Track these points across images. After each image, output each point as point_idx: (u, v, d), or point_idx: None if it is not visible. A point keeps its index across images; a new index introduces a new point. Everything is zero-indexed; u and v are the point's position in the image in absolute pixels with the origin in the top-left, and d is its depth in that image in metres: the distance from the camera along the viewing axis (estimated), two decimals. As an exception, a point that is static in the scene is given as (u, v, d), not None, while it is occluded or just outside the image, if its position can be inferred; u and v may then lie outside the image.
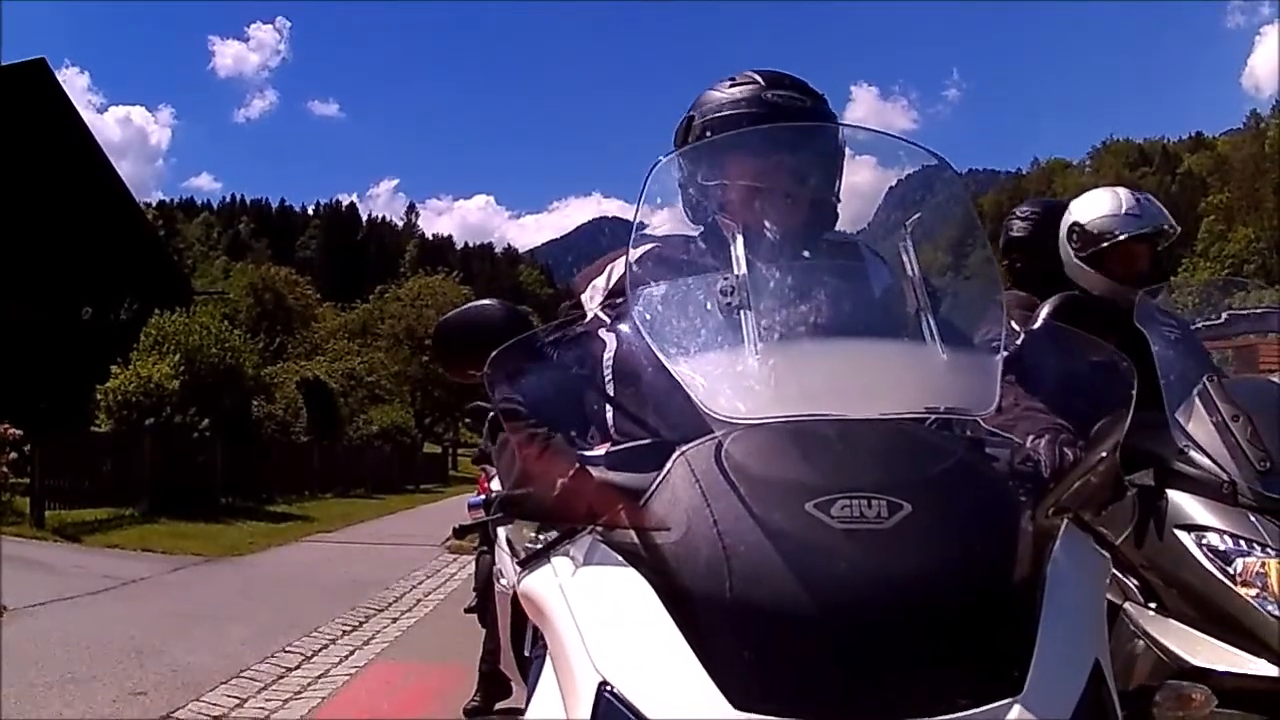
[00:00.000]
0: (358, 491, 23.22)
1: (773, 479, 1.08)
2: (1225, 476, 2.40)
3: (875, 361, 1.25)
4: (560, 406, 1.38)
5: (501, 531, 3.75)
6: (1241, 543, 2.33)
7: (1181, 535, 2.40)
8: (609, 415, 1.44)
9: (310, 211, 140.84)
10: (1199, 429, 2.48)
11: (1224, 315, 2.96)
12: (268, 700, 4.79)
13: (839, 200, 1.61)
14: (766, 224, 1.44)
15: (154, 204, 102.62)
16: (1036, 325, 1.56)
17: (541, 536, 1.25)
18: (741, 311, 1.21)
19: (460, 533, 1.39)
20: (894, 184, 1.60)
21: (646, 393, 1.35)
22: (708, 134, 1.61)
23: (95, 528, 11.08)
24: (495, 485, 4.19)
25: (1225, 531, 2.35)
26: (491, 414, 2.32)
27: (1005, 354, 1.29)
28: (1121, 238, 2.96)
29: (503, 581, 3.89)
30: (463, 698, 4.61)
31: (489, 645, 4.38)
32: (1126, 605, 2.50)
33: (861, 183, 1.63)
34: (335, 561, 10.60)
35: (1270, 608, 2.24)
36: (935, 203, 1.49)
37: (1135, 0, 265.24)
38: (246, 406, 18.02)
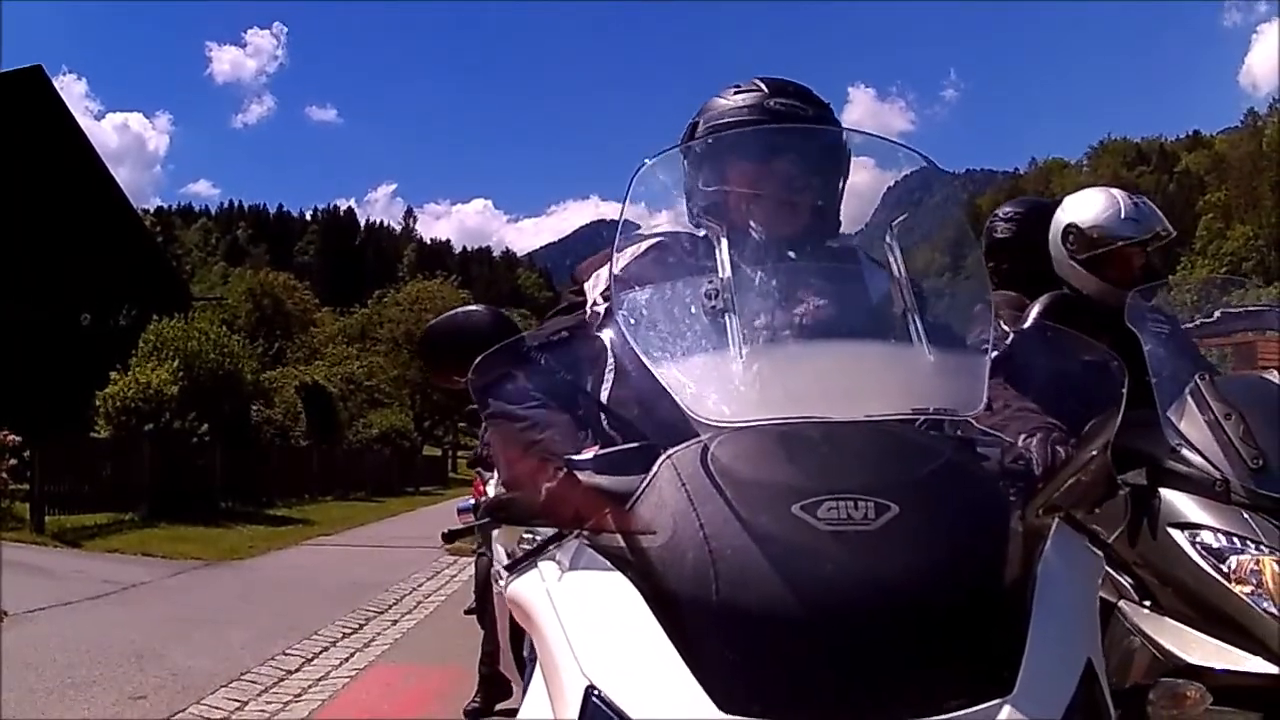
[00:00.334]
0: (357, 495, 23.22)
1: (759, 481, 1.07)
2: (1218, 474, 2.40)
3: (861, 363, 1.25)
4: (547, 410, 1.38)
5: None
6: (1235, 540, 2.32)
7: (1175, 533, 2.39)
8: (601, 417, 1.43)
9: (308, 217, 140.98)
10: (1191, 427, 2.48)
11: (1217, 313, 2.96)
12: (268, 703, 4.80)
13: (840, 208, 1.61)
14: (752, 226, 1.44)
15: (152, 210, 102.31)
16: (1027, 325, 1.57)
17: (529, 539, 1.25)
18: (726, 314, 1.21)
19: (449, 538, 1.39)
20: (891, 185, 1.60)
21: (640, 394, 1.34)
22: (710, 141, 1.61)
23: (95, 533, 11.08)
24: (491, 489, 4.20)
25: (1219, 529, 2.35)
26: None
27: (994, 354, 1.29)
28: (1119, 245, 2.94)
29: (501, 583, 3.89)
30: (463, 699, 4.61)
31: (488, 647, 4.39)
32: (1121, 603, 2.50)
33: (859, 184, 1.63)
34: (335, 564, 10.60)
35: (1265, 605, 2.24)
36: (922, 204, 1.49)
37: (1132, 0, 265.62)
38: (246, 411, 18.01)
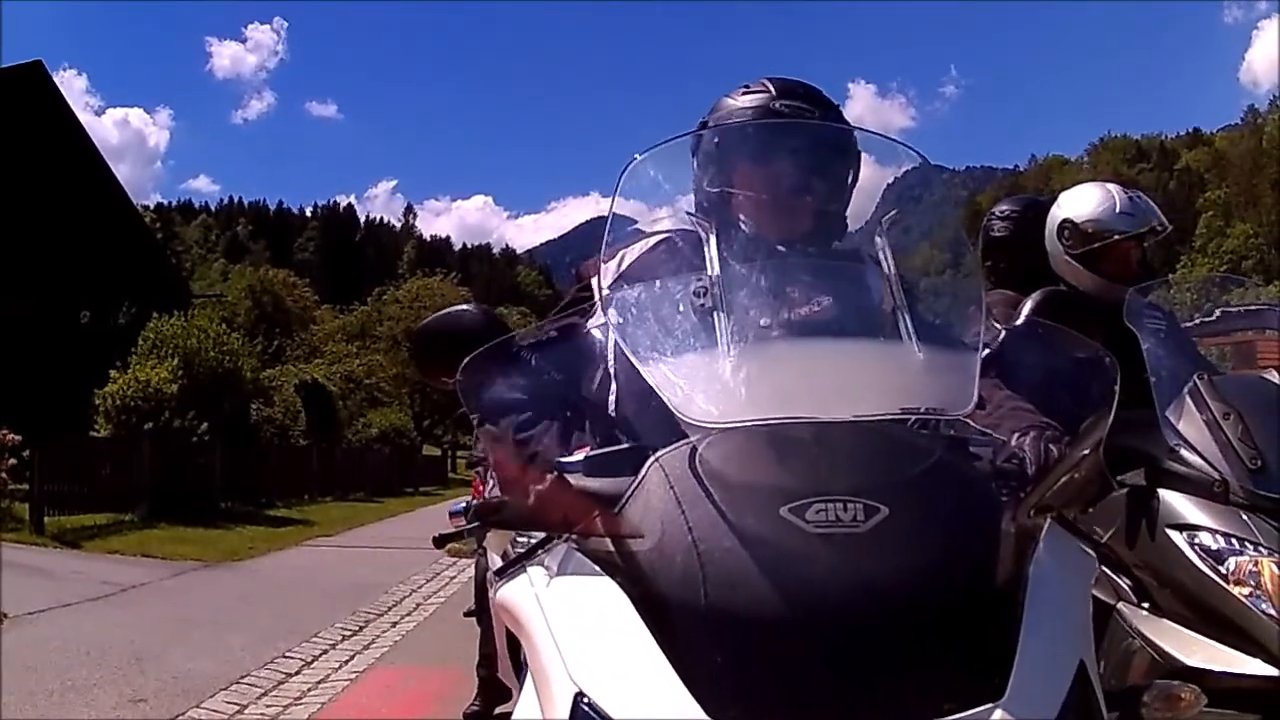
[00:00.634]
0: (357, 495, 23.20)
1: (747, 484, 1.07)
2: (1217, 475, 2.39)
3: (851, 362, 1.24)
4: (537, 411, 1.37)
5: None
6: (1234, 541, 2.31)
7: (1173, 534, 2.38)
8: (596, 416, 1.43)
9: (308, 213, 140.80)
10: (1190, 427, 2.47)
11: (1216, 312, 2.96)
12: (268, 706, 4.79)
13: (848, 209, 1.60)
14: (743, 222, 1.43)
15: (152, 206, 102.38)
16: (1019, 322, 1.56)
17: (522, 543, 1.24)
18: (715, 313, 1.21)
19: (440, 542, 1.38)
20: (890, 182, 1.60)
21: (635, 393, 1.33)
22: (716, 140, 1.61)
23: (94, 533, 11.05)
24: (490, 490, 4.19)
25: (1217, 530, 2.34)
26: None
27: (987, 351, 1.28)
28: (1115, 239, 2.95)
29: (492, 589, 3.88)
30: (462, 701, 4.60)
31: (485, 649, 4.37)
32: (1120, 605, 2.49)
33: (860, 181, 1.62)
34: (335, 565, 10.59)
35: (1263, 606, 2.23)
36: (917, 201, 1.49)
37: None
38: (245, 410, 17.98)
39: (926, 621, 0.97)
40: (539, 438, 1.29)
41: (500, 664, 3.85)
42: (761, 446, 1.10)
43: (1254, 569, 2.27)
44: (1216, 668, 2.25)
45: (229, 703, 4.74)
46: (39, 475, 10.93)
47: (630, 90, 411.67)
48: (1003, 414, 1.35)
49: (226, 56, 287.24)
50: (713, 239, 1.28)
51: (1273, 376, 2.61)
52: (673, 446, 1.13)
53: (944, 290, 1.44)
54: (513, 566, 1.21)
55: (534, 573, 1.17)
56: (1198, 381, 2.52)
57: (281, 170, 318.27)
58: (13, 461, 10.86)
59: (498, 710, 4.47)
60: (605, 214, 1.42)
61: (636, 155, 1.40)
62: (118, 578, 8.21)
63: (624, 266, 1.61)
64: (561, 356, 1.44)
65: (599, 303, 1.57)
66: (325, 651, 6.03)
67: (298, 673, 5.48)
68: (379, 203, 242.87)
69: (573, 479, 1.15)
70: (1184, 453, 2.46)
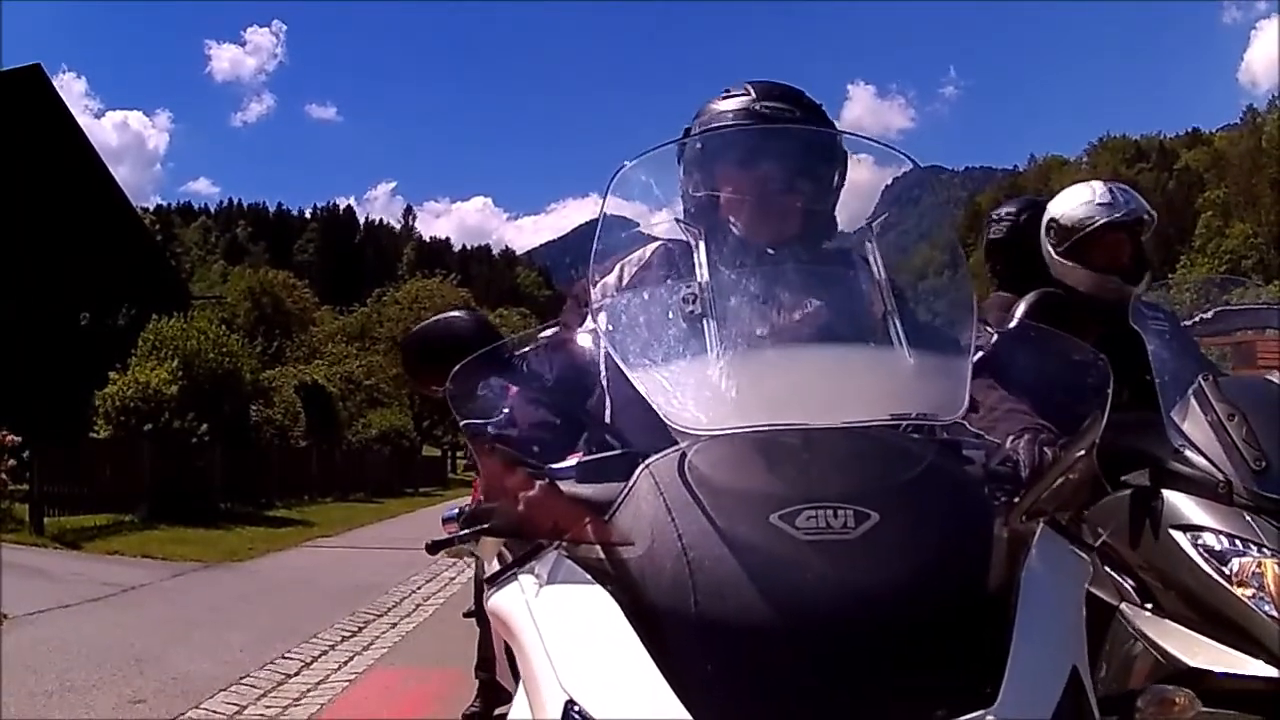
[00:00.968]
0: (357, 495, 23.20)
1: (737, 491, 1.06)
2: (1221, 476, 2.38)
3: (841, 368, 1.23)
4: (528, 418, 1.35)
5: None
6: (1237, 542, 2.31)
7: (1177, 535, 2.38)
8: (585, 424, 1.41)
9: (308, 215, 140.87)
10: (1194, 428, 2.47)
11: (1213, 312, 2.96)
12: (267, 707, 4.78)
13: (836, 209, 1.60)
14: (733, 226, 1.42)
15: (151, 209, 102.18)
16: (1011, 325, 1.56)
17: (510, 551, 1.23)
18: (704, 319, 1.20)
19: (433, 548, 1.38)
20: (889, 184, 1.59)
21: (628, 399, 1.31)
22: (699, 145, 1.60)
23: (94, 534, 11.05)
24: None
25: (1221, 531, 2.33)
26: None
27: (979, 355, 1.27)
28: (1095, 226, 2.96)
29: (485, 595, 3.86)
30: (462, 702, 4.58)
31: (484, 652, 4.37)
32: (1123, 606, 2.48)
33: (858, 183, 1.62)
34: (334, 566, 10.58)
35: (1266, 608, 2.22)
36: (910, 204, 1.48)
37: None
38: (245, 411, 17.98)
39: (917, 629, 0.96)
40: (528, 445, 1.28)
41: (499, 666, 3.86)
42: (751, 453, 1.09)
43: (1257, 570, 2.27)
44: (1219, 669, 2.24)
45: (228, 703, 4.73)
46: (39, 476, 10.95)
47: (630, 90, 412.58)
48: (997, 416, 1.35)
49: (225, 59, 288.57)
50: (701, 245, 1.27)
51: (1277, 378, 2.61)
52: (663, 453, 1.12)
53: (935, 294, 1.44)
54: (504, 574, 1.20)
55: (525, 580, 1.16)
56: (1202, 383, 2.52)
57: (281, 172, 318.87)
58: (13, 462, 10.86)
59: (497, 712, 4.47)
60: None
61: (627, 162, 1.40)
62: (117, 578, 8.21)
63: (625, 280, 1.61)
64: (553, 364, 1.44)
65: (590, 310, 1.57)
66: (325, 652, 6.02)
67: (297, 673, 5.47)
68: (378, 204, 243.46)
69: (564, 485, 1.15)
70: (1188, 454, 2.45)
